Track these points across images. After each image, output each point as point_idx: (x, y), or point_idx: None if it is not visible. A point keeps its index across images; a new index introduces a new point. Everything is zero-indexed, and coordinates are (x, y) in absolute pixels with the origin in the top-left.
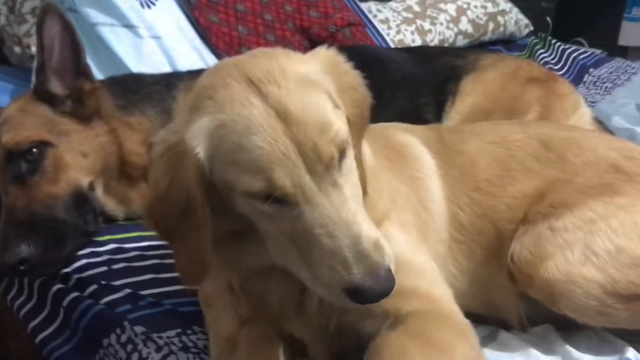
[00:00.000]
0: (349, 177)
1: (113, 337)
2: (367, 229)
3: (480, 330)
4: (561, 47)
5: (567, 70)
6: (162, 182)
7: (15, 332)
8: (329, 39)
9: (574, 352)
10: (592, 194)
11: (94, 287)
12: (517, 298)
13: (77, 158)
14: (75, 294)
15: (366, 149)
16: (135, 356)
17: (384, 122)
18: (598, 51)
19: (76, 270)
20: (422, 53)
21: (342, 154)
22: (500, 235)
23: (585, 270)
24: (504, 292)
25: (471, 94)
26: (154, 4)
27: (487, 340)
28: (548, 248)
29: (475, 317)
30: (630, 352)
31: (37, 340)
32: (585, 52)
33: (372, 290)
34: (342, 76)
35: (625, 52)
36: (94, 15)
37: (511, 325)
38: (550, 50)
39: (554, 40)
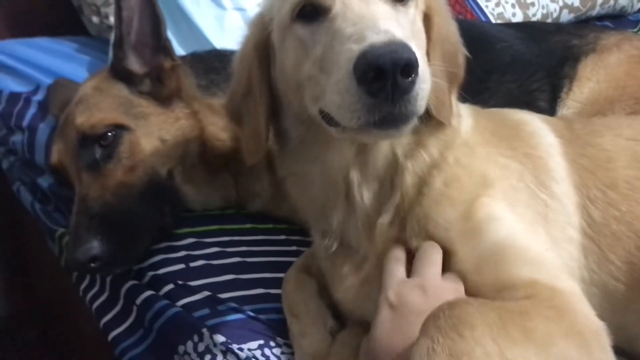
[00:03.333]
0: (407, 23)
1: (190, 344)
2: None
3: None
4: None
5: None
6: (235, 63)
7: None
8: None
9: None
10: None
11: (170, 286)
12: None
13: (155, 144)
14: (150, 292)
15: (466, 120)
16: None
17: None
18: None
19: (151, 266)
20: (533, 30)
21: None
22: None
23: None
24: None
25: (592, 79)
26: None
27: None
28: None
29: None
30: None
31: (110, 337)
32: None
33: (380, 53)
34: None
35: None
36: None
37: None
38: None
39: None
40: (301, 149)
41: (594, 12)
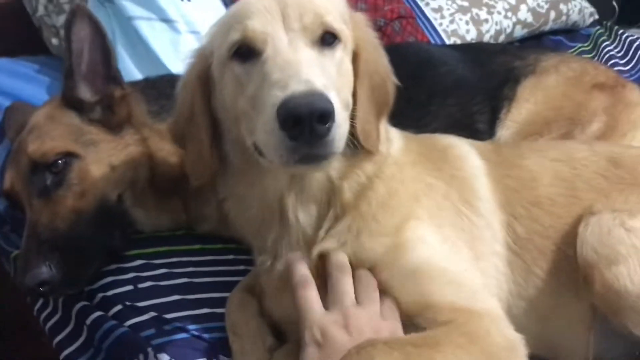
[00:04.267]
0: (333, 66)
1: None
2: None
3: None
4: (629, 39)
5: (634, 65)
6: (179, 89)
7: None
8: (377, 34)
9: None
10: None
11: (118, 307)
12: (586, 337)
13: (105, 170)
14: (99, 313)
15: (396, 143)
16: None
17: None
18: None
19: (101, 288)
20: (479, 52)
21: (327, 35)
22: (567, 261)
23: None
24: (570, 330)
25: (530, 100)
26: None
27: None
28: (620, 249)
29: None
30: None
31: (62, 356)
32: None
33: (298, 103)
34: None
35: None
36: (131, 7)
37: None
38: (616, 42)
39: (620, 31)
40: (240, 173)
41: (547, 28)
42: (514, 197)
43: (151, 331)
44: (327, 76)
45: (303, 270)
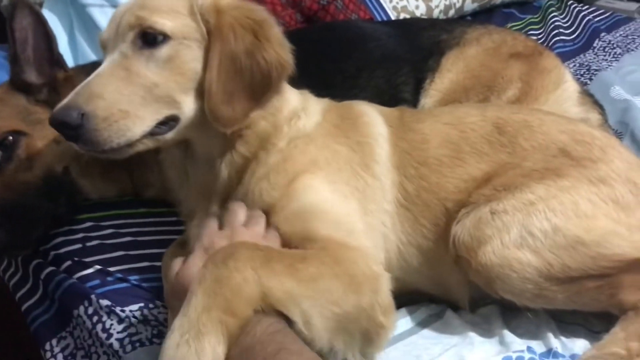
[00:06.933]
0: (152, 65)
1: (82, 308)
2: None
3: (429, 308)
4: (576, 9)
5: (578, 35)
6: None
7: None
8: (320, 12)
9: (508, 335)
10: (536, 178)
11: (68, 262)
12: (464, 279)
13: (51, 145)
14: (52, 268)
15: (312, 117)
16: (99, 327)
17: None
18: (636, 4)
19: (53, 247)
20: (409, 27)
21: (150, 34)
22: (448, 215)
23: (521, 254)
24: (453, 273)
25: (452, 70)
26: None
27: (432, 319)
28: (487, 231)
29: (431, 298)
30: (555, 342)
31: (23, 308)
32: (603, 13)
33: (52, 115)
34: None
35: None
36: None
37: (461, 306)
38: (565, 13)
39: (570, 2)
40: None
41: (498, 1)
42: (406, 159)
43: (96, 282)
44: (130, 78)
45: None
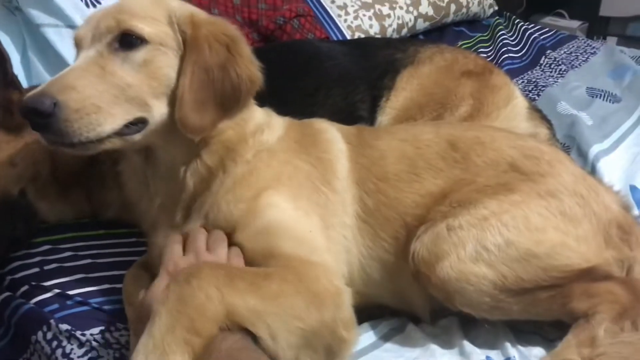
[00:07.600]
0: (133, 66)
1: (40, 334)
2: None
3: (391, 322)
4: (523, 27)
5: (526, 52)
6: None
7: None
8: (277, 31)
9: (467, 346)
10: (489, 193)
11: (25, 287)
12: (425, 292)
13: (6, 168)
14: (8, 293)
15: (275, 132)
16: (59, 352)
17: None
18: (578, 22)
19: (10, 271)
20: (365, 46)
21: (127, 38)
22: (408, 229)
23: (476, 268)
24: (413, 286)
25: (406, 88)
26: (99, 2)
27: (394, 333)
28: (444, 247)
29: (392, 312)
30: (513, 351)
31: None
32: (548, 31)
33: (24, 101)
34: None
35: (607, 23)
36: (38, 15)
37: (422, 318)
38: (512, 31)
39: (517, 20)
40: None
41: (449, 20)
42: (365, 174)
43: (55, 306)
44: (104, 76)
45: (177, 237)
